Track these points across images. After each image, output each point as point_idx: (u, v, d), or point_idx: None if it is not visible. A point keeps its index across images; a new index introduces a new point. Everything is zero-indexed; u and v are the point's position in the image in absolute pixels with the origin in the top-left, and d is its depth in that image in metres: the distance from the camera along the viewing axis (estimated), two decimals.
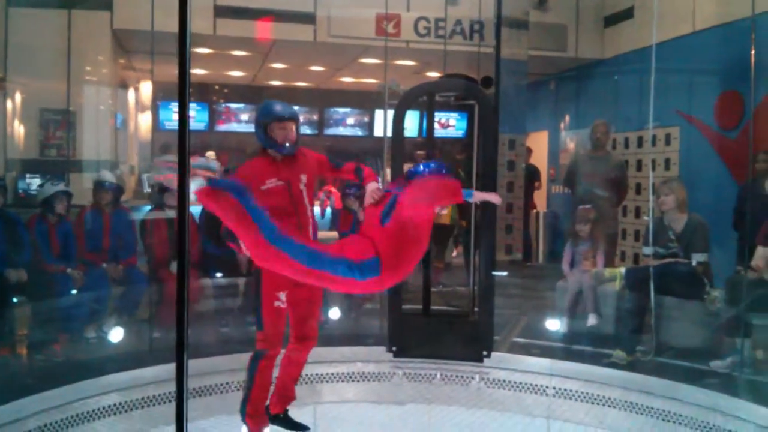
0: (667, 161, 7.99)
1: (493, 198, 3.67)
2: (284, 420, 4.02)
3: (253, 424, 3.89)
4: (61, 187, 5.76)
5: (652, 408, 4.59)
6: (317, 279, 3.11)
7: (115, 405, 4.46)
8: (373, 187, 3.51)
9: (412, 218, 3.16)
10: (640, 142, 8.31)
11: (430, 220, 3.26)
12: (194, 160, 2.87)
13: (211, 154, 9.62)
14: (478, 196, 3.75)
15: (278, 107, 3.75)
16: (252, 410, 3.87)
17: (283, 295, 3.76)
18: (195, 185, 2.80)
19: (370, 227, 3.29)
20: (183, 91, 2.17)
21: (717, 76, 7.41)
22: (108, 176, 6.26)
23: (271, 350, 3.84)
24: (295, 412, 4.05)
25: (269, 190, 3.65)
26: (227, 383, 4.84)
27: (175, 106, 8.86)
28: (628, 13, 8.57)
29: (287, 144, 3.71)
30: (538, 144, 10.77)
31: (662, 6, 7.77)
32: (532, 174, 9.45)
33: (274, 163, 3.75)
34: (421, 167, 3.42)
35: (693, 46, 7.58)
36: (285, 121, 3.71)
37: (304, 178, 3.80)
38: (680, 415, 4.46)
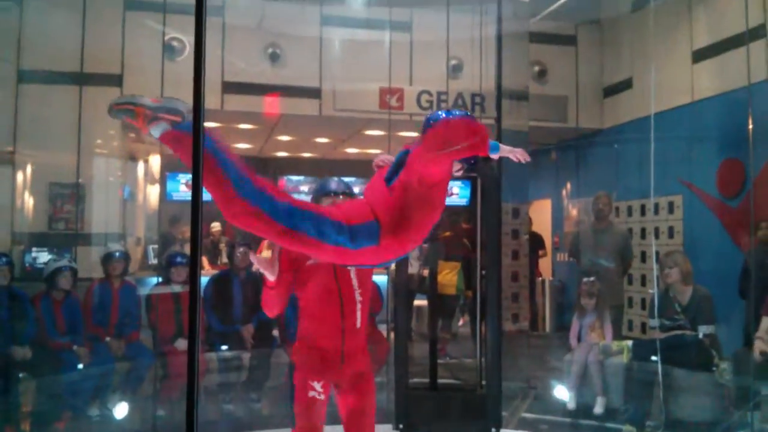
0: (671, 229, 8.02)
1: (521, 155, 2.79)
2: None
3: None
4: (64, 262, 5.80)
5: None
6: (300, 243, 2.51)
7: None
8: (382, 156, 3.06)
9: (424, 175, 2.50)
10: (643, 210, 8.36)
11: (445, 178, 2.58)
12: (156, 102, 2.61)
13: (216, 225, 9.70)
14: (505, 150, 2.72)
15: (332, 182, 3.38)
16: None
17: (318, 385, 3.28)
18: (159, 130, 2.49)
19: (372, 191, 2.71)
20: (197, 163, 2.19)
21: (717, 144, 7.50)
22: (117, 246, 6.33)
23: None
24: None
25: (313, 266, 3.20)
26: None
27: (182, 178, 9.02)
28: (626, 84, 8.75)
29: None
30: (542, 212, 10.84)
31: (660, 77, 7.96)
32: (536, 242, 9.48)
33: None
34: (441, 113, 2.65)
35: (692, 116, 7.70)
36: (335, 195, 3.31)
37: None
38: None
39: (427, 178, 2.50)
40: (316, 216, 2.47)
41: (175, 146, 2.50)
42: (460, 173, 2.72)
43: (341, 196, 3.30)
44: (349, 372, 3.29)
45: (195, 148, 2.24)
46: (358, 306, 3.27)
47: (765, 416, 4.97)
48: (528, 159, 2.80)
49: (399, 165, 2.60)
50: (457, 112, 2.65)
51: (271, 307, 3.23)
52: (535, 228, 9.87)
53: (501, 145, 2.66)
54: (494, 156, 2.67)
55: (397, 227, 2.52)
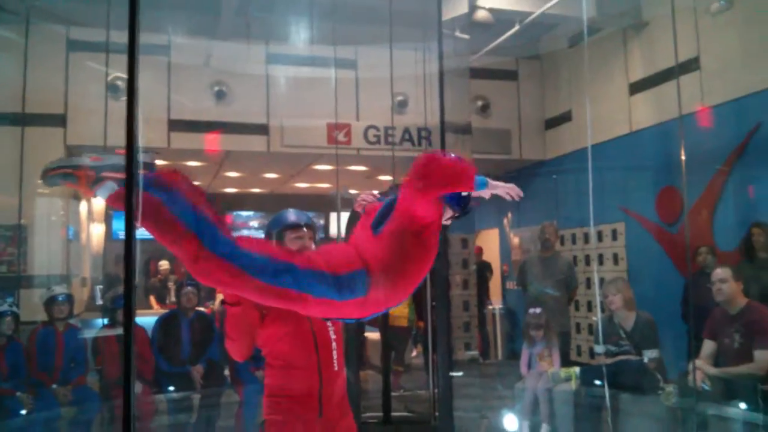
0: (615, 256, 8.23)
1: (513, 191, 2.53)
2: None
3: None
4: (5, 307, 5.68)
5: None
6: (280, 298, 2.29)
7: None
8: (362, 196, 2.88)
9: (413, 217, 2.31)
10: (586, 237, 8.56)
11: (435, 221, 2.37)
12: (97, 161, 2.36)
13: (164, 263, 9.58)
14: (495, 187, 2.48)
15: (293, 215, 3.10)
16: None
17: None
18: (106, 191, 2.29)
19: (359, 237, 2.48)
20: (129, 203, 2.17)
21: (655, 172, 7.74)
22: (59, 289, 6.20)
23: None
24: None
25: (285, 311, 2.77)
26: None
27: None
28: (566, 117, 9.01)
29: None
30: (491, 241, 10.99)
31: (599, 109, 8.23)
32: (484, 270, 9.62)
33: None
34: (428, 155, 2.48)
35: (631, 145, 7.96)
36: (300, 228, 3.04)
37: None
38: None
39: (416, 220, 2.32)
40: (296, 267, 2.26)
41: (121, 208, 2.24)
42: (449, 222, 2.52)
43: (304, 228, 3.04)
44: (329, 423, 2.92)
45: (128, 187, 2.23)
46: (333, 345, 2.97)
47: None
48: (521, 195, 2.52)
49: (387, 211, 2.41)
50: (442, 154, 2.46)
51: (238, 343, 2.89)
52: (485, 257, 10.02)
53: (491, 181, 2.44)
54: (483, 193, 2.47)
55: (387, 276, 2.32)
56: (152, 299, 9.36)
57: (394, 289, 2.34)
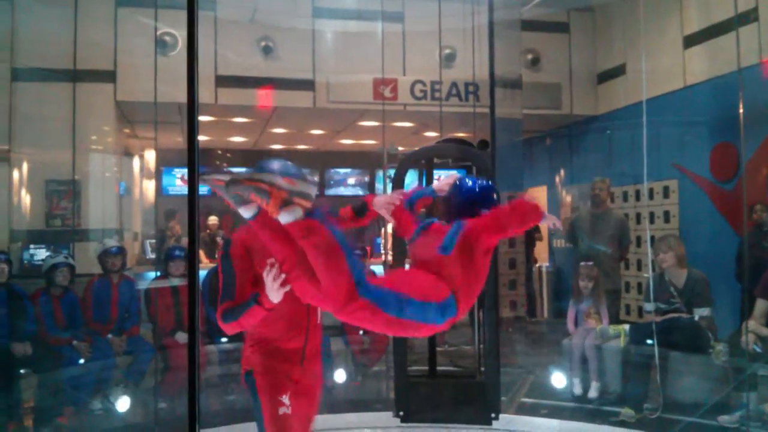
0: (666, 214, 8.06)
1: (553, 220, 3.01)
2: None
3: None
4: (61, 259, 5.83)
5: None
6: (403, 328, 2.66)
7: None
8: (381, 200, 3.04)
9: (486, 245, 2.75)
10: (638, 195, 8.39)
11: (495, 243, 2.87)
12: (292, 184, 2.50)
13: (213, 218, 9.71)
14: (549, 219, 2.97)
15: (288, 169, 2.91)
16: None
17: (286, 398, 3.03)
18: (292, 216, 2.44)
19: (427, 259, 2.81)
20: (192, 158, 2.21)
21: (710, 129, 7.54)
22: (112, 242, 6.35)
23: None
24: None
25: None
26: None
27: (178, 172, 9.05)
28: (620, 70, 8.77)
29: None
30: (539, 199, 10.87)
31: (653, 63, 7.98)
32: (533, 229, 9.52)
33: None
34: (474, 188, 2.96)
35: (685, 101, 7.74)
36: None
37: None
38: None
39: (489, 245, 2.76)
40: (421, 303, 2.58)
41: (307, 235, 2.49)
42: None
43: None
44: (307, 373, 3.08)
45: (190, 140, 2.26)
46: (319, 316, 3.11)
47: (761, 396, 5.01)
48: (560, 225, 3.11)
49: (455, 235, 2.73)
50: (482, 185, 2.97)
51: (244, 327, 2.98)
52: None
53: (546, 215, 2.88)
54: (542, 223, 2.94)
55: (468, 296, 2.73)
56: (202, 254, 9.52)
57: (472, 299, 2.77)
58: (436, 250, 2.77)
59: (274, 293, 2.72)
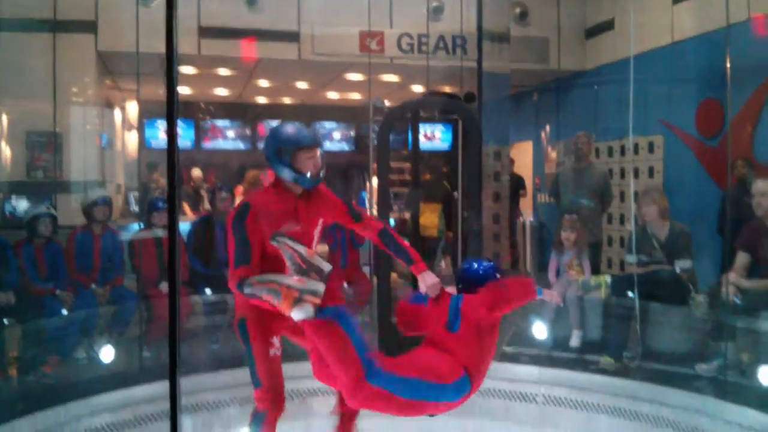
0: (651, 169, 8.11)
1: (555, 298, 3.40)
2: None
3: None
4: (43, 209, 5.78)
5: (640, 413, 4.64)
6: (420, 410, 2.88)
7: (107, 425, 4.46)
8: (431, 282, 3.21)
9: (484, 323, 3.01)
10: (623, 150, 8.42)
11: (499, 319, 3.11)
12: (300, 283, 2.70)
13: (196, 171, 9.66)
14: (546, 294, 3.25)
15: (304, 132, 3.20)
16: None
17: (276, 340, 3.26)
18: (303, 314, 2.63)
19: (437, 336, 3.04)
20: (171, 109, 2.19)
21: (696, 85, 7.54)
22: (99, 192, 6.32)
23: (275, 410, 3.27)
24: (286, 426, 4.03)
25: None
26: (219, 400, 4.84)
27: (161, 124, 8.99)
28: (608, 25, 8.71)
29: (313, 174, 3.18)
30: (524, 154, 10.87)
31: (641, 18, 7.93)
32: (517, 184, 9.54)
33: (292, 199, 3.22)
34: (476, 267, 3.23)
35: (673, 56, 7.72)
36: (312, 147, 3.17)
37: (319, 223, 3.32)
38: (667, 419, 4.50)
39: (489, 324, 3.00)
40: (430, 383, 2.80)
41: (319, 333, 2.73)
42: None
43: (315, 147, 3.18)
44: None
45: (169, 91, 2.23)
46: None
47: (739, 347, 5.10)
48: (560, 301, 3.45)
49: (457, 311, 3.01)
50: (486, 266, 3.22)
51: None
52: (516, 170, 9.92)
53: (543, 290, 3.16)
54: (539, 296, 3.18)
55: (480, 372, 2.95)
56: (186, 206, 9.49)
57: (484, 374, 3.00)
58: (444, 326, 3.01)
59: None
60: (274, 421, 3.29)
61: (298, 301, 2.63)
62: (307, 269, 2.73)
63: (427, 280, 3.23)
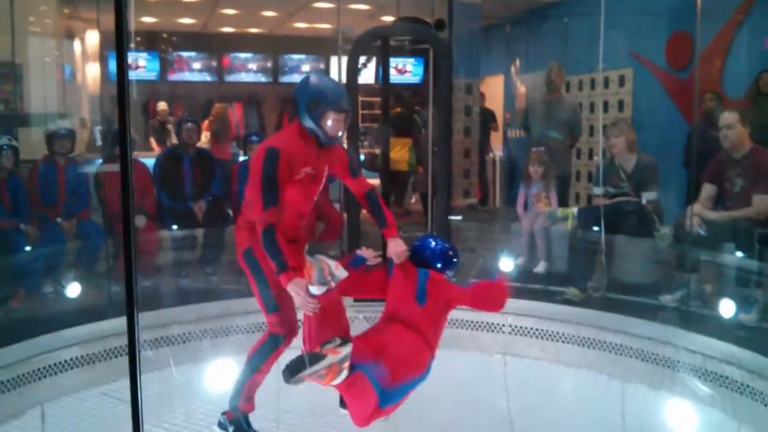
0: (621, 103, 8.11)
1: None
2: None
3: (246, 409, 3.56)
4: (4, 140, 5.63)
5: (605, 342, 4.74)
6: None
7: (76, 358, 4.46)
8: (400, 250, 3.29)
9: (449, 308, 3.28)
10: (593, 84, 8.39)
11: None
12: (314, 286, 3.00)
13: (162, 104, 9.46)
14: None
15: (340, 96, 3.29)
16: (248, 395, 3.54)
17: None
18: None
19: (403, 310, 3.18)
20: (120, 38, 2.11)
21: (667, 17, 7.48)
22: (61, 123, 6.17)
23: (291, 334, 3.43)
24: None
25: (302, 178, 3.27)
26: (188, 333, 4.86)
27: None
28: None
29: (334, 136, 3.30)
30: (495, 88, 10.79)
31: None
32: (487, 118, 9.50)
33: (314, 146, 3.31)
34: (433, 247, 3.39)
35: None
36: (344, 112, 3.28)
37: (326, 170, 3.44)
38: (632, 348, 4.60)
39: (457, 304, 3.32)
40: (414, 381, 3.02)
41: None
42: None
43: (345, 113, 3.29)
44: (298, 245, 3.40)
45: (117, 19, 2.13)
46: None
47: (702, 278, 5.22)
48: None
49: (425, 285, 3.19)
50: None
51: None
52: (487, 104, 9.87)
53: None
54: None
55: (434, 349, 3.17)
56: (152, 141, 9.33)
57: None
58: (413, 295, 3.16)
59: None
60: (285, 346, 3.43)
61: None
62: (329, 281, 2.97)
63: (396, 247, 3.30)
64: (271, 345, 3.41)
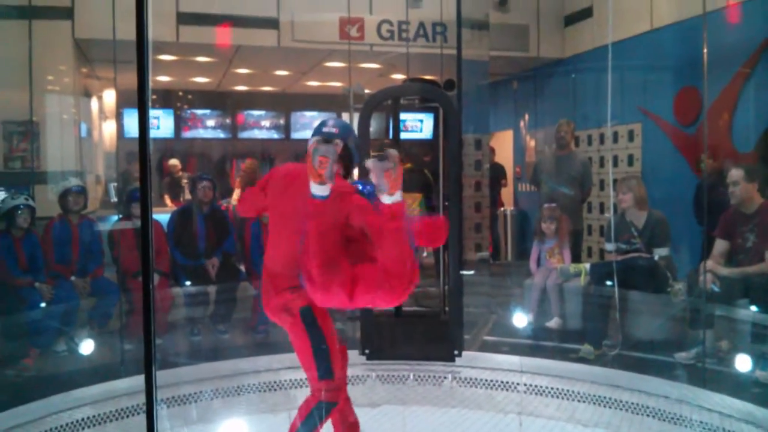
0: (630, 157, 8.16)
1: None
2: None
3: None
4: (21, 200, 5.72)
5: (620, 401, 4.68)
6: None
7: (88, 418, 4.43)
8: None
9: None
10: (602, 139, 8.47)
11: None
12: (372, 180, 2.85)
13: (174, 161, 9.59)
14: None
15: (324, 124, 3.35)
16: None
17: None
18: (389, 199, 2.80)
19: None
20: (143, 97, 2.16)
21: (675, 72, 7.58)
22: (74, 181, 6.26)
23: (340, 399, 3.32)
24: (271, 419, 4.06)
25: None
26: (200, 392, 4.85)
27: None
28: (587, 13, 8.74)
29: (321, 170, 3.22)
30: (504, 143, 10.91)
31: (620, 5, 7.96)
32: (498, 173, 9.58)
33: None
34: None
35: (651, 44, 7.75)
36: (324, 139, 3.11)
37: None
38: (647, 407, 4.54)
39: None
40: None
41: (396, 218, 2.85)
42: None
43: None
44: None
45: (140, 78, 2.19)
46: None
47: (717, 334, 5.17)
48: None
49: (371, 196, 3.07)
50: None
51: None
52: (497, 159, 9.96)
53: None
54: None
55: None
56: (166, 198, 9.43)
57: None
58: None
59: None
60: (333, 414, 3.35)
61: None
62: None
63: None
64: (321, 414, 3.18)
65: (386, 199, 2.84)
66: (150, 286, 2.17)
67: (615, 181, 6.30)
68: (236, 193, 8.13)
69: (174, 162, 9.58)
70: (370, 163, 2.81)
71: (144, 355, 2.08)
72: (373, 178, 2.82)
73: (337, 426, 3.55)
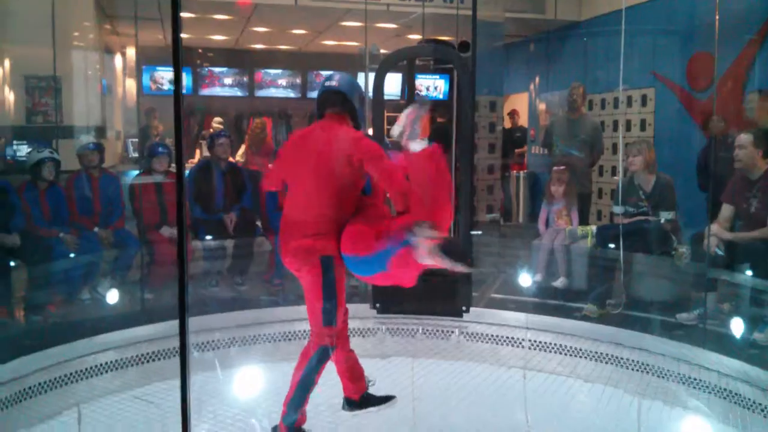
0: (643, 122, 8.19)
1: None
2: (369, 400, 3.75)
3: (300, 422, 3.53)
4: (46, 153, 5.87)
5: (622, 358, 4.83)
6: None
7: (111, 362, 4.65)
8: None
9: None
10: (616, 103, 8.48)
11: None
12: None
13: (218, 119, 9.71)
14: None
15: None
16: (302, 410, 3.51)
17: None
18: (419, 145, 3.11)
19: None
20: (176, 54, 2.27)
21: (689, 37, 7.55)
22: (89, 138, 6.40)
23: (338, 344, 3.53)
24: (285, 367, 4.17)
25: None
26: (218, 340, 5.05)
27: (159, 71, 8.94)
28: None
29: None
30: (519, 105, 10.93)
31: None
32: (515, 134, 9.64)
33: None
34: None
35: (666, 8, 7.71)
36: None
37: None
38: (648, 365, 4.70)
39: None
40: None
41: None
42: None
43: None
44: None
45: (174, 38, 2.31)
46: None
47: (719, 297, 5.28)
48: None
49: None
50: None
51: None
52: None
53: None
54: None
55: None
56: (197, 152, 9.58)
57: None
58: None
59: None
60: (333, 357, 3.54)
61: None
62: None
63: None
64: (323, 357, 3.41)
65: (417, 145, 3.11)
66: (183, 238, 2.30)
67: (626, 145, 6.36)
68: (242, 149, 8.23)
69: (219, 119, 9.73)
70: (409, 108, 3.15)
71: (177, 304, 2.21)
72: (406, 124, 3.08)
73: (344, 376, 3.72)
